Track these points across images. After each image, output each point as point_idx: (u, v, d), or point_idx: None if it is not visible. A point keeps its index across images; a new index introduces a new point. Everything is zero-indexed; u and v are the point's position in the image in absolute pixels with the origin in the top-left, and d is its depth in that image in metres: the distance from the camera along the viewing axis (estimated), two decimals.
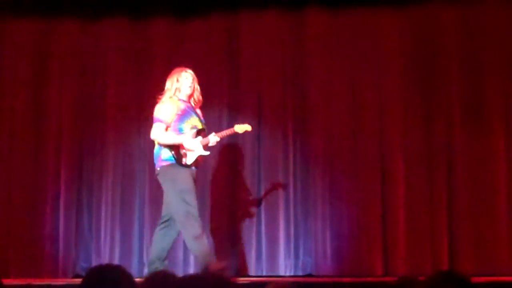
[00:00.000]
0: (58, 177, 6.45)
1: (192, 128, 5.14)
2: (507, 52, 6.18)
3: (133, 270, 5.99)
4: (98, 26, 6.61)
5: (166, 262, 5.23)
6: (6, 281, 4.99)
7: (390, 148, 6.24)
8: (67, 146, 6.51)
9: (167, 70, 6.27)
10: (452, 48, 6.25)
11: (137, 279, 2.78)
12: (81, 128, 6.54)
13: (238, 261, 6.22)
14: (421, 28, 6.33)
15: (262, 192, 6.33)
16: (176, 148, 5.08)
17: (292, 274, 6.16)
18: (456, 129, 6.17)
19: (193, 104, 5.25)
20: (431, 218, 6.09)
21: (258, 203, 6.32)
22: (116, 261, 6.08)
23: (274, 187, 6.30)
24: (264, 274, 6.17)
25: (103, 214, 6.42)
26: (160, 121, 5.09)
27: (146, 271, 5.26)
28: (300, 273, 6.16)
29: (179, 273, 5.72)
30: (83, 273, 5.70)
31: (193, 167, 5.15)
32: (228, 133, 5.34)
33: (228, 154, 6.29)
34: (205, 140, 5.16)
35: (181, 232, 5.14)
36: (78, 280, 5.23)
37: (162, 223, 5.20)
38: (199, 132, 5.18)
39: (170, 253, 5.35)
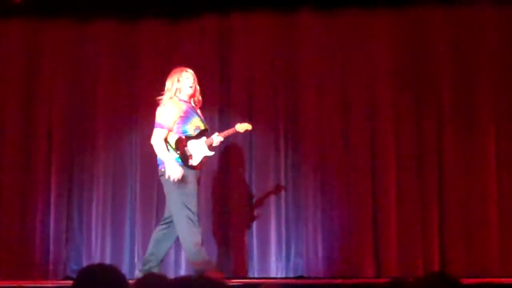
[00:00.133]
0: (48, 178, 6.43)
1: (196, 129, 5.08)
2: (497, 54, 6.21)
3: (124, 271, 5.92)
4: (90, 27, 6.59)
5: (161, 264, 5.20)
6: None
7: (381, 149, 6.25)
8: (58, 147, 6.49)
9: (158, 72, 6.30)
10: (443, 50, 6.27)
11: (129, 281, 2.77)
12: (71, 128, 6.53)
13: (230, 263, 6.22)
14: (412, 30, 6.35)
15: (254, 194, 6.33)
16: (181, 149, 5.02)
17: (283, 275, 6.17)
18: (446, 130, 6.19)
19: (193, 105, 5.19)
20: (422, 220, 6.10)
21: (249, 204, 6.32)
22: (107, 262, 6.06)
23: (265, 189, 6.29)
24: (255, 275, 6.16)
25: (93, 215, 6.40)
26: (161, 126, 5.01)
27: (137, 270, 5.21)
28: (291, 275, 6.16)
29: (170, 275, 5.73)
30: (74, 275, 5.70)
31: (197, 169, 5.08)
32: (230, 133, 5.29)
33: (219, 156, 6.28)
34: (209, 141, 5.12)
35: (179, 237, 5.06)
36: (68, 282, 5.22)
37: (165, 223, 5.14)
38: (202, 133, 5.12)
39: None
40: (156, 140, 5.01)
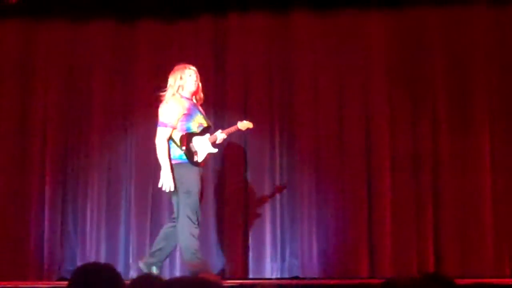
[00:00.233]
0: (43, 180, 6.42)
1: (199, 126, 5.05)
2: (492, 54, 6.22)
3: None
4: (85, 28, 6.58)
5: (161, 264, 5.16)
6: None
7: (377, 150, 6.25)
8: (52, 148, 6.47)
9: (155, 72, 6.30)
10: (438, 51, 6.28)
11: None
12: (66, 129, 6.51)
13: (225, 264, 6.21)
14: (407, 31, 6.36)
15: (248, 194, 6.32)
16: (187, 145, 4.97)
17: (278, 276, 6.16)
18: (442, 131, 6.19)
19: (195, 102, 5.15)
20: (416, 220, 6.11)
21: (244, 205, 6.31)
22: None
23: (260, 189, 6.29)
24: (250, 276, 6.16)
25: (88, 216, 6.39)
26: (165, 125, 4.97)
27: (141, 263, 5.14)
28: (286, 275, 6.16)
29: (165, 275, 5.72)
30: (68, 276, 5.68)
31: (201, 167, 5.05)
32: (232, 130, 5.26)
33: (213, 155, 6.27)
34: (212, 138, 5.10)
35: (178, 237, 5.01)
36: (63, 283, 5.21)
37: (173, 221, 5.09)
38: (205, 130, 5.09)
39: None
40: (160, 140, 4.96)
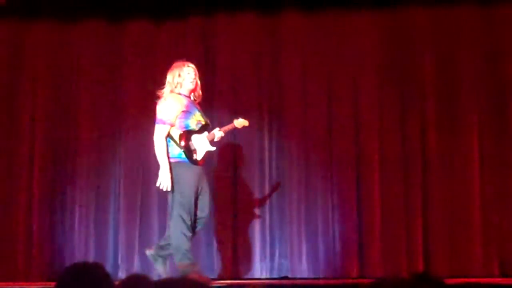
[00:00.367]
0: (31, 179, 6.39)
1: (197, 123, 5.00)
2: (480, 53, 6.24)
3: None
4: (73, 29, 6.57)
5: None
6: None
7: (366, 149, 6.26)
8: (40, 148, 6.45)
9: (143, 73, 6.29)
10: (426, 49, 6.30)
11: None
12: (55, 129, 6.49)
13: (214, 264, 6.21)
14: (396, 30, 6.37)
15: (237, 193, 6.31)
16: (186, 143, 4.92)
17: (268, 276, 6.17)
18: (430, 131, 6.21)
19: (193, 99, 5.11)
20: (406, 220, 6.12)
21: (233, 205, 6.30)
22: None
23: (249, 189, 6.29)
24: (240, 276, 6.15)
25: (77, 217, 6.37)
26: (163, 122, 4.90)
27: (148, 252, 5.08)
28: (276, 276, 6.16)
29: (155, 276, 5.70)
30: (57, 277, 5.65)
31: (200, 165, 4.99)
32: (229, 128, 5.23)
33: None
34: (211, 135, 5.05)
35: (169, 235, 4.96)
36: (52, 284, 5.18)
37: None
38: (203, 127, 5.05)
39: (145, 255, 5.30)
40: (158, 138, 4.89)
